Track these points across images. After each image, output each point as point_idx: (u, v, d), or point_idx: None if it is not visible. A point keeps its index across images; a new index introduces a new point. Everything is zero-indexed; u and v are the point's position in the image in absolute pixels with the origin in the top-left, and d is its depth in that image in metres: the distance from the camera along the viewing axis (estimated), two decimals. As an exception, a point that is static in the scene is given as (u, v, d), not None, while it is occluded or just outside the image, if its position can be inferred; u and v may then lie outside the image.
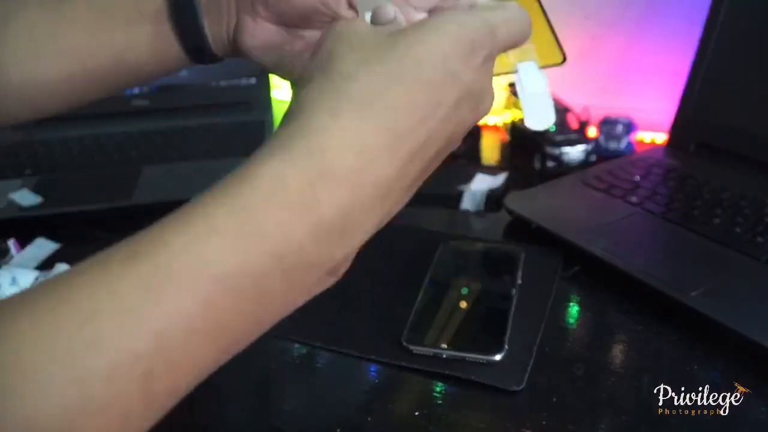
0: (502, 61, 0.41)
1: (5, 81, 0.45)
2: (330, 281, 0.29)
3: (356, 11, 0.40)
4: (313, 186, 0.26)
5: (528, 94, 0.40)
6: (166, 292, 0.24)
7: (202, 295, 0.24)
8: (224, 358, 0.27)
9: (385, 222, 0.31)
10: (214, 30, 0.44)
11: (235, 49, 0.45)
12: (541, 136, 0.80)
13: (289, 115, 0.29)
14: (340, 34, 0.31)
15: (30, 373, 0.22)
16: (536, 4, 0.41)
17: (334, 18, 0.40)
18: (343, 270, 0.30)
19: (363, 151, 0.27)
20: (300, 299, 0.28)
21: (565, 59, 0.39)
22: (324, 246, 0.27)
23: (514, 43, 0.34)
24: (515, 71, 0.41)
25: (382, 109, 0.28)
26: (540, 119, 0.40)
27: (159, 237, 0.25)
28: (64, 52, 0.45)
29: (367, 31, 0.31)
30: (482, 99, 0.33)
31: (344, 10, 0.40)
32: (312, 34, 0.43)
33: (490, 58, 0.32)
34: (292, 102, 0.30)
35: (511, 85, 0.91)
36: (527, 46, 0.41)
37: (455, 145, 0.33)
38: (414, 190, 0.32)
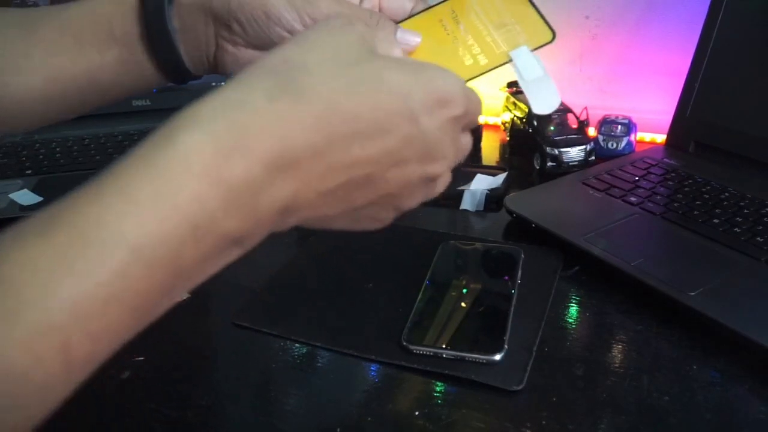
0: (493, 53, 0.41)
1: None
2: (237, 253, 0.30)
3: None
4: (228, 158, 0.26)
5: (528, 81, 0.40)
6: (81, 263, 0.24)
7: (117, 265, 0.25)
8: (141, 324, 0.27)
9: (306, 223, 0.32)
10: (193, 55, 0.45)
11: (217, 70, 0.45)
12: (541, 136, 0.80)
13: (227, 84, 0.29)
14: (330, 28, 0.31)
15: None
16: None
17: None
18: (248, 243, 0.30)
19: (285, 139, 0.28)
20: (211, 269, 0.29)
21: (554, 36, 0.38)
22: (234, 217, 0.27)
23: (474, 123, 0.35)
24: (509, 60, 0.40)
25: (323, 108, 0.28)
26: (545, 103, 0.39)
27: (74, 207, 0.26)
28: (38, 72, 0.45)
29: (359, 40, 0.31)
30: (434, 156, 0.32)
31: None
32: None
33: (456, 123, 0.33)
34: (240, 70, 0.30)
35: (510, 86, 0.91)
36: (515, 29, 0.41)
37: (397, 204, 0.33)
38: (341, 215, 0.32)
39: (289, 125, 0.28)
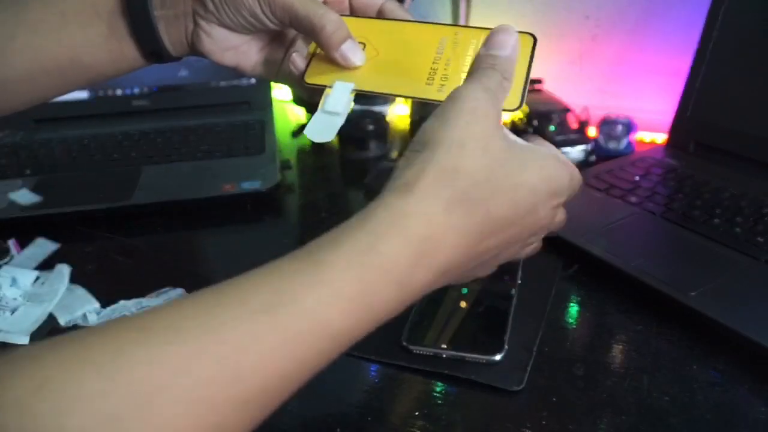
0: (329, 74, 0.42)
1: None
2: None
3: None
4: (416, 269, 0.31)
5: (324, 110, 0.41)
6: (294, 344, 0.28)
7: (318, 344, 0.29)
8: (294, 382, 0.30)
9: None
10: (172, 34, 0.47)
11: (194, 51, 0.47)
12: (542, 136, 0.80)
13: (404, 185, 0.32)
14: (477, 116, 0.35)
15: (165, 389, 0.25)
16: (530, 48, 0.41)
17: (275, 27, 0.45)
18: None
19: (455, 248, 0.32)
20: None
21: (519, 108, 0.39)
22: (400, 308, 0.32)
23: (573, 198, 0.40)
24: (329, 86, 0.42)
25: (483, 218, 0.33)
26: (320, 134, 0.41)
27: (290, 287, 0.29)
28: (22, 52, 0.46)
29: (497, 128, 0.35)
30: (539, 233, 0.39)
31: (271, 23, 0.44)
32: (263, 37, 0.48)
33: (561, 205, 0.39)
34: (409, 164, 0.33)
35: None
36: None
37: (517, 255, 0.40)
38: (461, 279, 0.37)
39: (459, 237, 0.32)
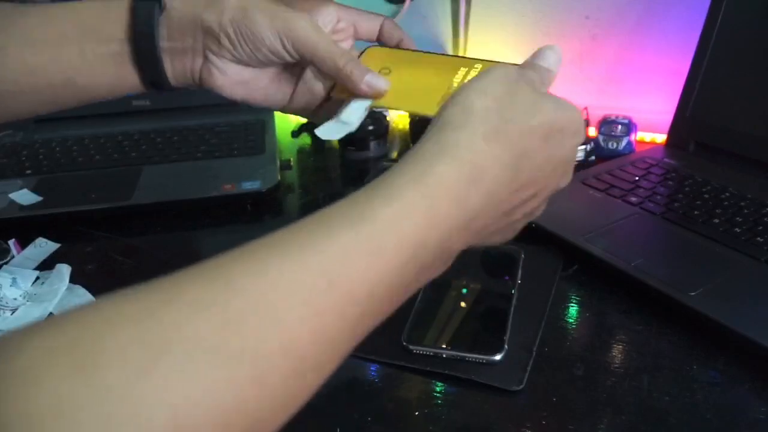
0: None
1: None
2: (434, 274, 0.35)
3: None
4: (469, 189, 0.33)
5: (339, 120, 0.44)
6: (377, 256, 0.29)
7: (401, 260, 0.30)
8: (373, 314, 0.32)
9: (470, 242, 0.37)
10: (176, 67, 0.47)
11: (201, 85, 0.48)
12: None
13: (456, 122, 0.35)
14: (510, 79, 0.38)
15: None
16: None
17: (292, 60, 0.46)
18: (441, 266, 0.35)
19: (496, 178, 0.34)
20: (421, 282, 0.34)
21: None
22: (464, 233, 0.34)
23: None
24: (350, 101, 0.45)
25: (517, 135, 0.35)
26: (329, 135, 0.44)
27: (369, 206, 0.31)
28: (13, 67, 0.45)
29: (530, 85, 0.39)
30: (571, 161, 0.40)
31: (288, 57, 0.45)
32: (275, 69, 0.48)
33: (576, 148, 0.40)
34: (458, 101, 0.36)
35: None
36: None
37: (542, 204, 0.41)
38: (513, 225, 0.39)
39: (500, 166, 0.34)
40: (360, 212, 0.30)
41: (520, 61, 0.44)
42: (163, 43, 0.45)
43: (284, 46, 0.44)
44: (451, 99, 0.36)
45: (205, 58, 0.46)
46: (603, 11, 0.92)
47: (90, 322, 0.23)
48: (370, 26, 0.50)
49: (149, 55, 0.45)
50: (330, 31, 0.48)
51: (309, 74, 0.49)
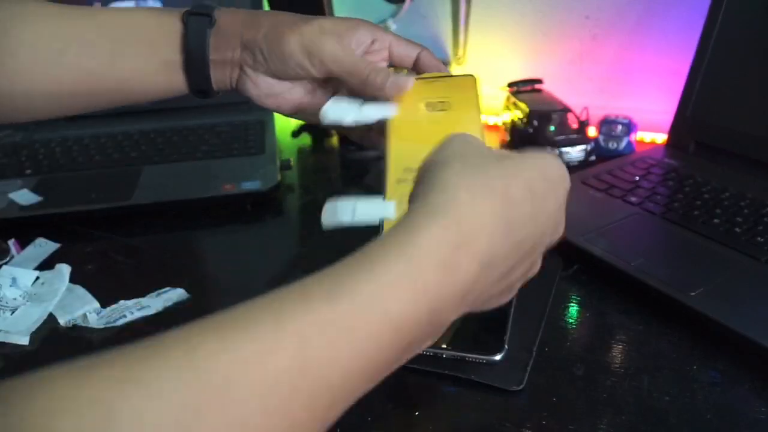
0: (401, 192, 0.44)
1: (8, 88, 0.47)
2: (427, 344, 0.32)
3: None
4: (457, 252, 0.30)
5: (355, 220, 0.42)
6: (353, 336, 0.27)
7: (381, 341, 0.28)
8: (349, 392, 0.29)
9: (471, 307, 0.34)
10: (217, 76, 0.51)
11: (238, 93, 0.52)
12: (542, 136, 0.80)
13: (431, 189, 0.33)
14: (462, 142, 0.37)
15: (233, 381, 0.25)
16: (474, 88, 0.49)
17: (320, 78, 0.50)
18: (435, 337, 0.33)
19: (492, 236, 0.32)
20: (416, 352, 0.32)
21: None
22: (458, 303, 0.31)
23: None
24: (379, 198, 0.44)
25: (502, 197, 0.33)
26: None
27: (348, 280, 0.29)
28: (71, 70, 0.48)
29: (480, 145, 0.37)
30: (562, 218, 0.38)
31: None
32: (306, 84, 0.52)
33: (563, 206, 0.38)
34: (425, 179, 0.34)
35: (510, 85, 0.91)
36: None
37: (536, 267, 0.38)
38: (498, 294, 0.36)
39: (490, 224, 0.32)
40: (339, 286, 0.28)
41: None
42: (212, 56, 0.49)
43: (311, 62, 0.48)
44: (429, 166, 0.35)
45: (242, 69, 0.50)
46: (603, 11, 0.92)
47: (38, 404, 0.22)
48: (406, 53, 0.52)
49: (199, 65, 0.50)
50: (363, 51, 0.50)
51: (343, 90, 0.52)
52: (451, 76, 0.50)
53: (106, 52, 0.48)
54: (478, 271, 0.31)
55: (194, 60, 0.49)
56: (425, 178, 0.34)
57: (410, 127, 0.47)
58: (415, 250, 0.30)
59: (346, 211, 0.41)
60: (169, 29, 0.49)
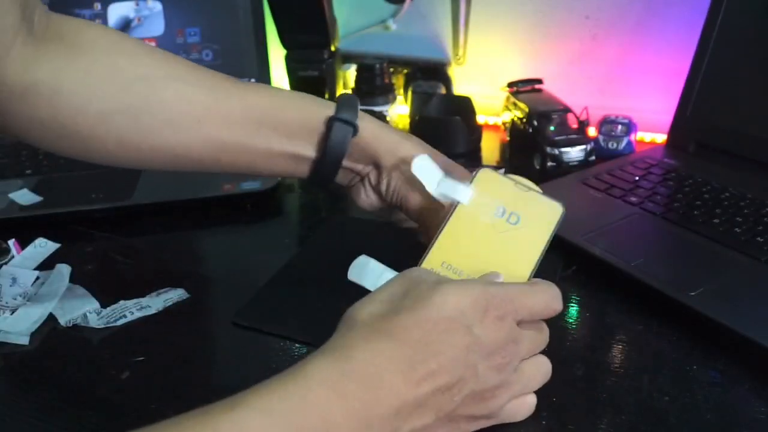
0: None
1: (136, 144, 0.48)
2: None
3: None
4: (342, 376, 0.34)
5: (368, 285, 0.44)
6: None
7: None
8: None
9: None
10: (340, 178, 0.53)
11: (346, 191, 0.55)
12: (542, 136, 0.80)
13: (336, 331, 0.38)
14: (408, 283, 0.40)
15: None
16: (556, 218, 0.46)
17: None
18: None
19: (380, 373, 0.34)
20: None
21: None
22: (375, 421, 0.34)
23: (536, 314, 0.41)
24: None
25: (408, 340, 0.35)
26: (354, 281, 0.44)
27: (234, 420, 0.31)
28: (206, 140, 0.49)
29: (421, 277, 0.40)
30: (495, 351, 0.37)
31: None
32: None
33: (504, 319, 0.38)
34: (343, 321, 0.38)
35: (510, 86, 0.91)
36: None
37: (490, 405, 0.38)
38: (440, 426, 0.36)
39: (380, 352, 0.35)
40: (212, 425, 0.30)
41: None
42: (345, 162, 0.51)
43: (405, 209, 0.52)
44: (351, 311, 0.38)
45: (362, 181, 0.53)
46: (603, 11, 0.92)
47: None
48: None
49: (330, 168, 0.51)
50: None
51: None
52: (542, 194, 0.47)
53: (248, 131, 0.49)
54: (366, 392, 0.33)
55: (328, 163, 0.50)
56: (346, 316, 0.38)
57: (471, 224, 0.44)
58: (303, 374, 0.34)
59: (370, 277, 0.43)
60: (313, 128, 0.50)
